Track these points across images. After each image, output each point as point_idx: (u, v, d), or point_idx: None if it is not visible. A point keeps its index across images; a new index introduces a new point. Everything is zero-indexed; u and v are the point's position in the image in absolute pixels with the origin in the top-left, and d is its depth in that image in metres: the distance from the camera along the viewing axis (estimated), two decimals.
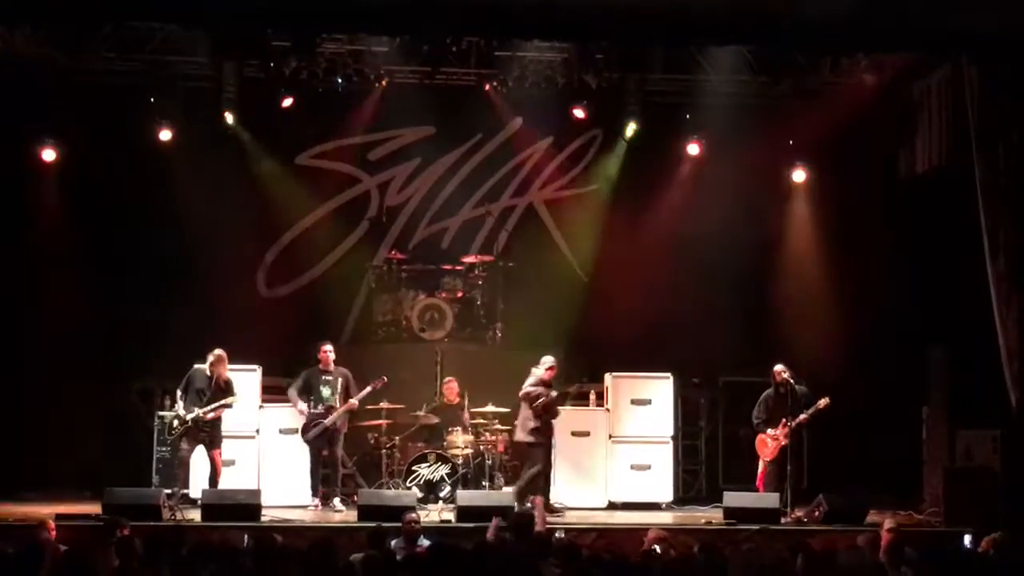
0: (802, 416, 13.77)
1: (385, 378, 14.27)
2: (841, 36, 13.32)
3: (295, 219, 17.07)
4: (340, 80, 15.97)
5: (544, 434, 13.98)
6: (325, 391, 14.15)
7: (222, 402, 13.55)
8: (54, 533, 10.32)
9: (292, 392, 14.27)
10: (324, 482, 14.24)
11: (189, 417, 13.44)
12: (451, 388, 15.04)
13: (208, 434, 13.61)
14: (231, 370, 14.03)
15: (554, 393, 13.99)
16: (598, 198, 17.40)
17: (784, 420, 13.73)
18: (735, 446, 15.20)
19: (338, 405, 14.08)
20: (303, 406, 14.05)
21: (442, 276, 16.52)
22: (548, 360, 14.00)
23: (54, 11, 13.53)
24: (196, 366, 13.74)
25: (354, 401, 14.10)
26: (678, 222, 16.84)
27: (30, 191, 16.02)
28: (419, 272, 16.59)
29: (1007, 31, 12.67)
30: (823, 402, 13.77)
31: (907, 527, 12.40)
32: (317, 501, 14.13)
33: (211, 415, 13.52)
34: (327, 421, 14.03)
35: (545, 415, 13.93)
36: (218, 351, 13.68)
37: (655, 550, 9.65)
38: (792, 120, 16.67)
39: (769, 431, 13.84)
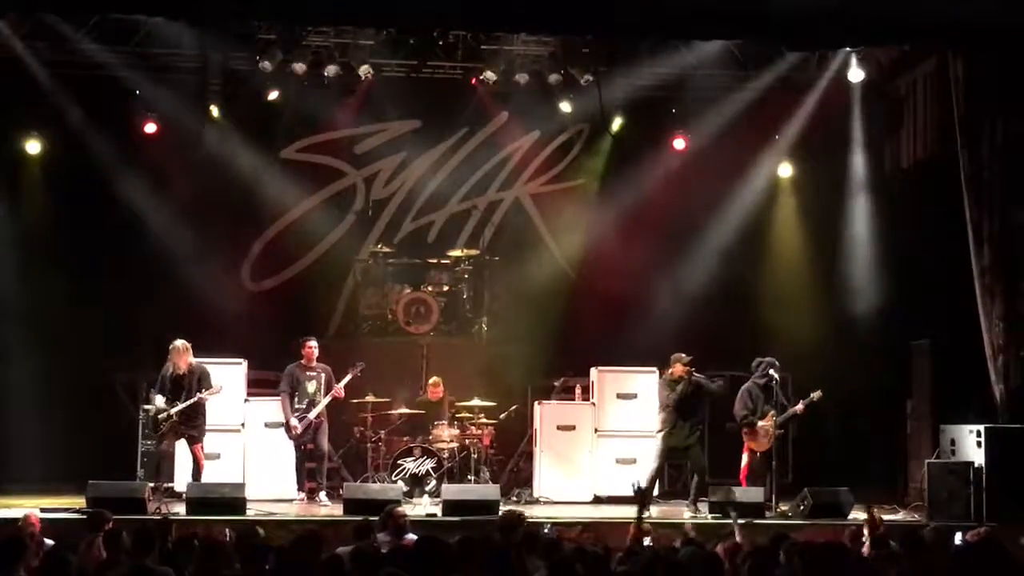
0: (798, 407, 13.77)
1: (362, 364, 14.25)
2: (826, 30, 13.33)
3: (281, 212, 17.03)
4: (326, 73, 15.92)
5: (663, 433, 13.83)
6: (310, 386, 14.09)
7: (198, 396, 13.41)
8: (38, 526, 10.27)
9: (284, 400, 14.15)
10: (310, 476, 14.23)
11: (174, 411, 13.39)
12: (434, 391, 14.99)
13: (190, 428, 13.52)
14: (217, 363, 14.08)
15: (671, 394, 13.73)
16: (584, 192, 17.42)
17: (772, 412, 13.73)
18: (721, 440, 15.19)
19: (321, 399, 14.02)
20: (295, 422, 13.96)
21: (428, 270, 16.51)
22: (673, 357, 13.86)
23: (40, 2, 13.49)
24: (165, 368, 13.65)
25: (339, 388, 14.03)
26: (664, 216, 16.85)
27: (14, 183, 15.97)
28: (405, 266, 16.58)
29: (992, 24, 12.70)
30: (816, 395, 13.78)
31: (891, 521, 12.42)
32: (303, 495, 14.11)
33: (184, 405, 13.41)
34: (311, 415, 13.98)
35: (675, 413, 13.77)
36: (176, 342, 13.54)
37: (643, 543, 9.65)
38: (778, 114, 16.70)
39: (760, 423, 13.83)
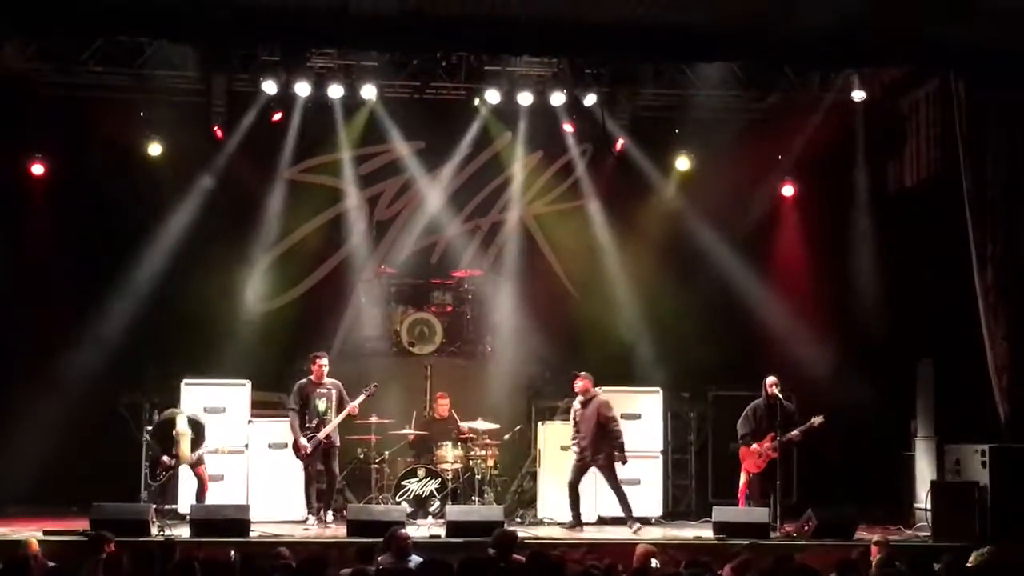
0: (794, 432, 13.74)
1: (376, 384, 14.15)
2: (830, 51, 13.38)
3: (284, 233, 17.03)
4: (329, 94, 15.93)
5: (577, 446, 14.01)
6: (320, 404, 13.86)
7: (199, 454, 13.43)
8: (37, 551, 10.24)
9: (293, 419, 13.91)
10: (318, 497, 14.01)
11: (175, 466, 13.34)
12: (443, 404, 15.01)
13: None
14: (221, 384, 14.18)
15: (575, 404, 14.15)
16: (588, 212, 17.41)
17: (773, 434, 13.71)
18: (725, 461, 15.18)
19: (332, 418, 13.86)
20: (304, 442, 13.73)
21: (432, 290, 16.50)
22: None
23: (44, 25, 13.54)
24: (164, 415, 13.64)
25: (354, 405, 13.80)
26: (667, 236, 16.86)
27: (18, 205, 15.99)
28: (409, 286, 16.57)
29: (994, 46, 12.74)
30: (817, 420, 13.72)
31: (896, 542, 12.39)
32: (314, 519, 13.81)
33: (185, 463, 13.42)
34: (320, 434, 13.77)
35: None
36: (183, 426, 13.32)
37: (651, 565, 9.62)
38: (781, 134, 16.72)
39: (755, 445, 13.82)
